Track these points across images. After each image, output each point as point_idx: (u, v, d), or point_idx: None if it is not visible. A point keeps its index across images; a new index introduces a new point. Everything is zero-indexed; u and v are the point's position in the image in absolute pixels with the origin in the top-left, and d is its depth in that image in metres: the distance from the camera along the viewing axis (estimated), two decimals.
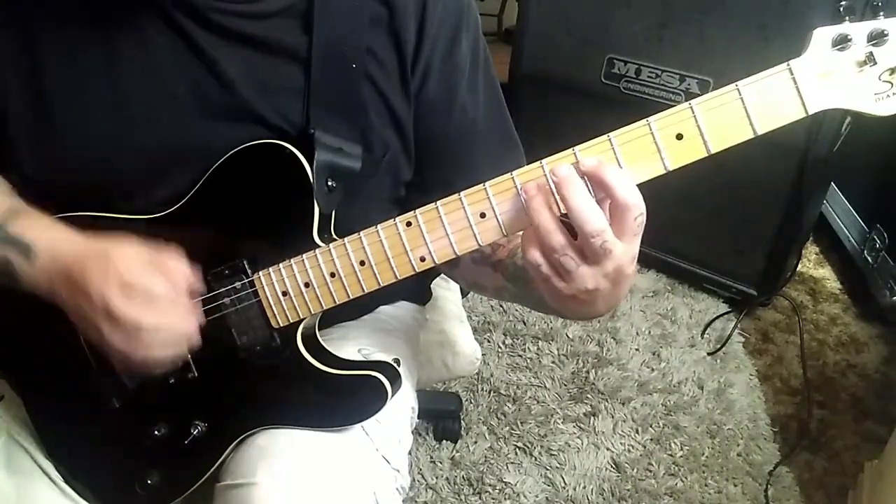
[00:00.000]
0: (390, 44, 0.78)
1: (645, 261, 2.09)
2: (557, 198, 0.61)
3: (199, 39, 0.73)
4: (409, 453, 1.56)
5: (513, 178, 0.64)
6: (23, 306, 0.79)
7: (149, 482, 0.80)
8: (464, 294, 1.30)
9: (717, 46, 1.67)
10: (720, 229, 1.93)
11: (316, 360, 0.76)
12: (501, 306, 1.94)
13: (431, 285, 1.14)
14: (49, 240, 0.73)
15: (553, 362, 1.80)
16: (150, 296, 0.68)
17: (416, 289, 1.08)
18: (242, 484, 0.74)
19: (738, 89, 0.59)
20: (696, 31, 1.70)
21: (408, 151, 0.83)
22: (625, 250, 0.61)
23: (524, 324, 1.90)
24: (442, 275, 1.16)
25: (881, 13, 0.58)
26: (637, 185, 0.61)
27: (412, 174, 0.85)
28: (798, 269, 2.06)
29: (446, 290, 1.18)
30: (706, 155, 0.61)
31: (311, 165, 0.72)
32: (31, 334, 0.79)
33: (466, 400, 1.69)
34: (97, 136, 0.75)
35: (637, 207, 0.60)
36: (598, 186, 0.61)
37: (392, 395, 0.76)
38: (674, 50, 1.75)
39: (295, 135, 0.76)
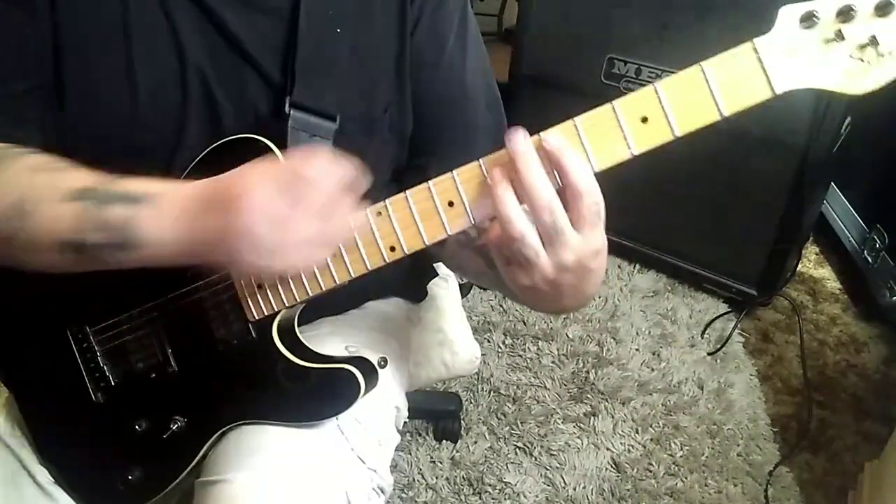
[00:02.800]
0: None
1: (645, 261, 2.09)
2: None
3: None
4: (409, 453, 1.57)
5: (480, 165, 0.63)
6: (12, 302, 0.80)
7: (130, 478, 0.80)
8: (463, 293, 1.30)
9: (717, 47, 1.67)
10: (720, 229, 1.93)
11: (291, 353, 0.76)
12: (501, 306, 1.94)
13: (430, 285, 1.14)
14: (159, 184, 0.68)
15: (553, 362, 1.80)
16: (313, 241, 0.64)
17: (410, 286, 1.08)
18: (217, 480, 0.74)
19: (701, 68, 0.58)
20: (696, 31, 1.70)
21: (405, 102, 0.84)
22: (583, 241, 0.60)
23: (524, 324, 1.90)
24: (440, 275, 1.16)
25: None
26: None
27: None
28: (798, 269, 2.06)
29: (445, 290, 1.18)
30: (672, 138, 0.60)
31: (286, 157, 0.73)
32: (21, 329, 0.80)
33: (466, 400, 1.69)
34: (110, 90, 0.76)
35: (590, 194, 0.59)
36: (555, 169, 0.60)
37: (365, 391, 0.76)
38: (674, 50, 1.74)
39: (280, 86, 0.77)
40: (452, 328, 1.17)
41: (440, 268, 1.17)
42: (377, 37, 0.81)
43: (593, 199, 0.60)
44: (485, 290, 1.97)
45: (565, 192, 0.60)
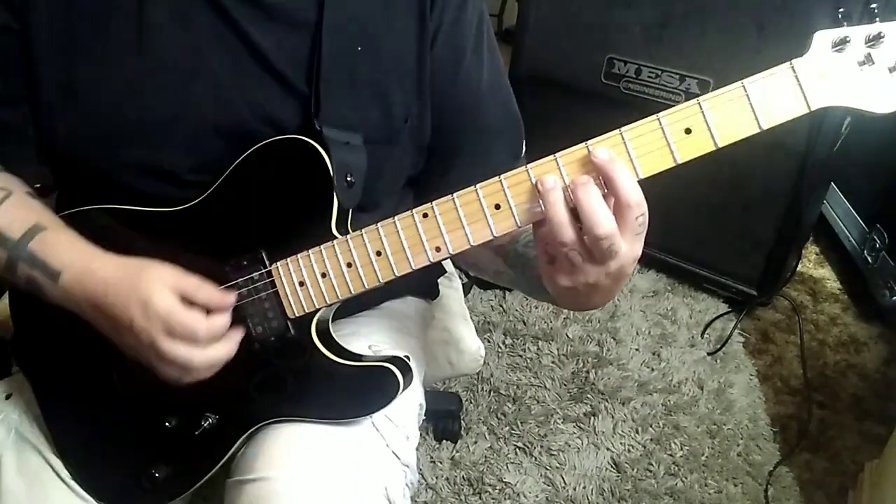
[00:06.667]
0: (411, 3, 0.80)
1: (645, 261, 2.09)
2: (571, 196, 0.63)
3: (231, 10, 0.75)
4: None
5: (528, 171, 0.66)
6: (38, 301, 0.79)
7: (156, 475, 0.80)
8: (465, 292, 1.30)
9: (717, 46, 1.67)
10: (720, 229, 1.93)
11: (329, 351, 0.77)
12: (501, 306, 1.94)
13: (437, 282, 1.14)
14: (72, 262, 0.74)
15: (553, 362, 1.80)
16: (193, 333, 0.71)
17: (424, 284, 1.09)
18: (254, 479, 0.74)
19: (743, 86, 0.62)
20: (696, 31, 1.70)
21: (425, 112, 0.85)
22: (628, 251, 0.63)
23: (524, 324, 1.90)
24: (447, 273, 1.17)
25: (877, 18, 0.61)
26: (642, 180, 0.63)
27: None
28: (798, 269, 2.06)
29: (450, 289, 1.18)
30: (714, 149, 0.63)
31: (331, 161, 0.74)
32: (49, 325, 0.80)
33: (466, 400, 1.69)
34: (128, 103, 0.76)
35: (639, 207, 0.62)
36: (604, 180, 0.62)
37: (403, 388, 0.77)
38: (674, 50, 1.75)
39: (306, 97, 0.78)
40: (457, 327, 1.17)
41: (446, 265, 1.17)
42: (398, 50, 0.81)
43: (641, 211, 0.62)
44: (485, 289, 1.97)
45: (614, 204, 0.62)
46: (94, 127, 0.76)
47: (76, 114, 0.76)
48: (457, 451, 1.57)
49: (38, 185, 0.87)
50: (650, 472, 1.56)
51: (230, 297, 0.75)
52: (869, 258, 1.96)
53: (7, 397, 0.86)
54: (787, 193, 1.78)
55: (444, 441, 1.59)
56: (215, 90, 0.76)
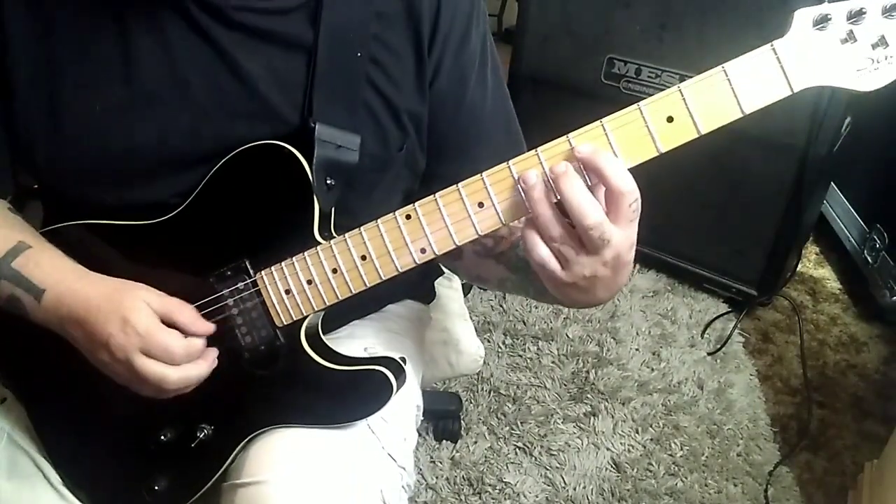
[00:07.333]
0: (407, 37, 0.78)
1: (645, 261, 2.09)
2: (554, 189, 0.62)
3: (220, 38, 0.73)
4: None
5: (509, 167, 0.65)
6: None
7: (156, 488, 0.80)
8: (465, 292, 1.30)
9: (717, 46, 1.67)
10: (720, 229, 1.93)
11: (320, 357, 0.77)
12: (501, 306, 1.94)
13: (435, 284, 1.14)
14: (56, 281, 0.74)
15: (553, 362, 1.80)
16: (169, 353, 0.71)
17: (421, 287, 1.09)
18: (250, 483, 0.74)
19: (724, 70, 0.61)
20: (696, 31, 1.70)
21: (422, 142, 0.84)
22: (623, 237, 0.62)
23: (524, 324, 1.90)
24: (445, 274, 1.17)
25: None
26: (634, 173, 0.62)
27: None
28: (798, 269, 2.06)
29: (449, 289, 1.18)
30: (697, 136, 0.62)
31: (310, 165, 0.72)
32: (36, 340, 0.79)
33: (466, 400, 1.69)
34: (113, 134, 0.75)
35: (632, 194, 0.61)
36: (592, 174, 0.62)
37: (397, 390, 0.77)
38: (674, 50, 1.75)
39: (297, 127, 0.76)
40: (456, 327, 1.17)
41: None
42: (394, 84, 0.79)
43: (634, 197, 0.61)
44: (485, 290, 1.97)
45: (606, 193, 0.62)
46: (77, 160, 0.76)
47: (59, 144, 0.75)
48: (457, 451, 1.57)
49: (35, 186, 0.87)
50: (650, 472, 1.56)
51: (210, 326, 0.75)
52: (869, 258, 1.96)
53: (2, 402, 0.86)
54: (787, 193, 1.78)
55: (444, 441, 1.59)
56: (202, 120, 0.75)
